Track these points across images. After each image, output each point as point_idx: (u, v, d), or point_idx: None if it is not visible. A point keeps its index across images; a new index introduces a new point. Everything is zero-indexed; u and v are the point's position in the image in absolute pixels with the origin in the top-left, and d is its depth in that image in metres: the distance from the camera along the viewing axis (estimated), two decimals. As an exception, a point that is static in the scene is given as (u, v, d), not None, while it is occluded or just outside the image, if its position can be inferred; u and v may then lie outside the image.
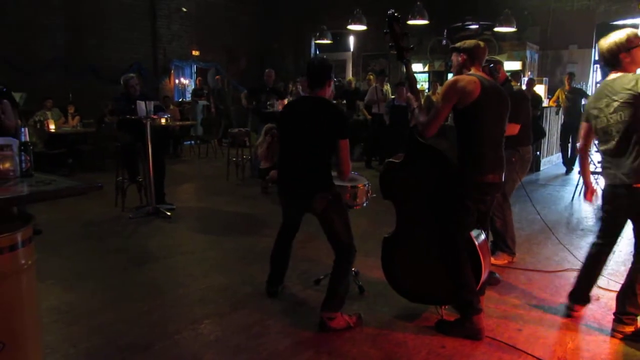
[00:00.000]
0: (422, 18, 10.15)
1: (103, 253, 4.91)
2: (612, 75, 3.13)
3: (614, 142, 3.08)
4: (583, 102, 9.94)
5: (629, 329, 3.18)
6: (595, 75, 12.54)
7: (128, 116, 6.02)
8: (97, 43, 11.84)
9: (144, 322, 3.42)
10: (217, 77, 13.85)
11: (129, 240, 5.34)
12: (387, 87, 10.05)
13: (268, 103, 8.64)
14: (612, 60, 3.11)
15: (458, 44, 3.32)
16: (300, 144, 3.34)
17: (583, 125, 3.41)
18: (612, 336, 3.23)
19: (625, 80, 3.02)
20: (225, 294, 3.88)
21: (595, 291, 3.95)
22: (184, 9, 13.68)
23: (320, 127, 3.28)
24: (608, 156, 3.16)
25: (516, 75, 7.96)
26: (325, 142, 3.29)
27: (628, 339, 3.17)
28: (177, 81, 13.97)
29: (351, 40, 15.61)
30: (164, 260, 4.70)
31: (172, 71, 13.72)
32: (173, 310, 3.63)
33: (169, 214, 6.11)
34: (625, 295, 3.20)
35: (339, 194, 3.44)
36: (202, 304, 3.70)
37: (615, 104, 3.04)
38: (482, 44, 3.28)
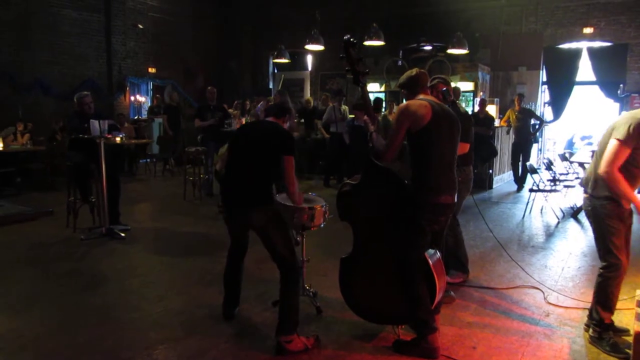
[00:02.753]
0: (378, 39, 10.37)
1: (53, 277, 4.74)
2: None
3: None
4: (532, 121, 10.34)
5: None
6: (543, 96, 13.05)
7: (81, 135, 5.88)
8: (49, 59, 11.55)
9: (96, 349, 3.32)
10: (174, 94, 13.72)
11: (80, 263, 5.18)
12: (344, 107, 10.16)
13: (226, 122, 8.61)
14: None
15: (398, 82, 3.53)
16: (244, 161, 3.43)
17: None
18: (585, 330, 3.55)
19: None
20: (181, 318, 3.81)
21: (545, 307, 4.09)
22: (140, 26, 13.52)
23: (265, 144, 3.40)
24: None
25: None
26: (267, 159, 3.39)
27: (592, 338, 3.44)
28: (132, 98, 13.75)
29: (309, 59, 15.77)
30: (117, 283, 4.58)
31: (128, 88, 13.49)
32: (126, 335, 3.54)
33: (123, 235, 5.97)
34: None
35: (278, 210, 3.51)
36: (157, 329, 3.63)
37: None
38: (414, 72, 3.43)
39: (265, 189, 3.41)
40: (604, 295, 3.38)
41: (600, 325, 3.39)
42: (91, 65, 12.52)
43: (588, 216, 3.48)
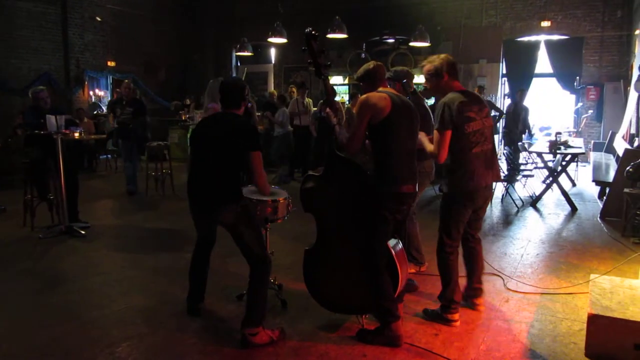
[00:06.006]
0: (341, 32, 10.40)
1: (11, 276, 4.60)
2: None
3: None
4: (492, 113, 10.54)
5: (455, 317, 3.60)
6: (503, 88, 13.32)
7: (37, 131, 5.72)
8: (4, 52, 11.16)
9: (57, 349, 3.25)
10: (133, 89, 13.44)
11: (39, 262, 5.04)
12: (308, 100, 10.16)
13: (188, 116, 8.53)
14: None
15: (356, 75, 3.57)
16: (208, 157, 3.35)
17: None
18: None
19: None
20: (145, 315, 3.76)
21: (504, 293, 4.20)
22: (98, 18, 13.19)
23: (228, 140, 3.30)
24: None
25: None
26: (232, 155, 3.31)
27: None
28: (91, 93, 13.41)
29: (272, 52, 15.70)
30: (78, 281, 4.48)
31: (87, 82, 13.16)
32: (88, 334, 3.47)
33: (83, 232, 5.84)
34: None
35: (247, 205, 3.47)
36: (120, 326, 3.57)
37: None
38: (371, 65, 3.46)
39: (232, 186, 3.35)
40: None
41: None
42: (48, 59, 12.15)
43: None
